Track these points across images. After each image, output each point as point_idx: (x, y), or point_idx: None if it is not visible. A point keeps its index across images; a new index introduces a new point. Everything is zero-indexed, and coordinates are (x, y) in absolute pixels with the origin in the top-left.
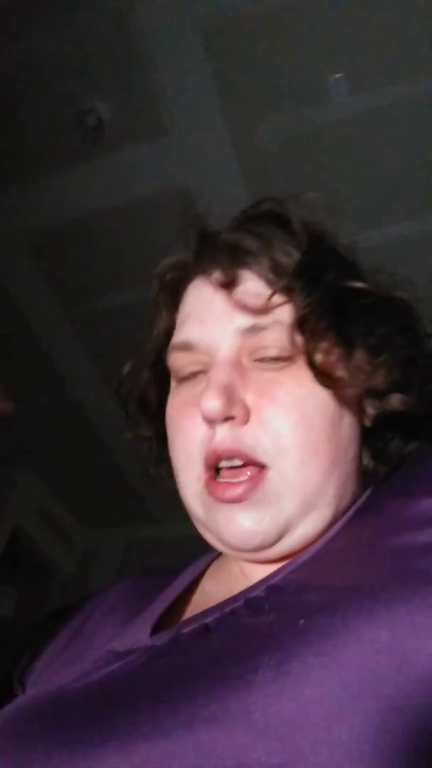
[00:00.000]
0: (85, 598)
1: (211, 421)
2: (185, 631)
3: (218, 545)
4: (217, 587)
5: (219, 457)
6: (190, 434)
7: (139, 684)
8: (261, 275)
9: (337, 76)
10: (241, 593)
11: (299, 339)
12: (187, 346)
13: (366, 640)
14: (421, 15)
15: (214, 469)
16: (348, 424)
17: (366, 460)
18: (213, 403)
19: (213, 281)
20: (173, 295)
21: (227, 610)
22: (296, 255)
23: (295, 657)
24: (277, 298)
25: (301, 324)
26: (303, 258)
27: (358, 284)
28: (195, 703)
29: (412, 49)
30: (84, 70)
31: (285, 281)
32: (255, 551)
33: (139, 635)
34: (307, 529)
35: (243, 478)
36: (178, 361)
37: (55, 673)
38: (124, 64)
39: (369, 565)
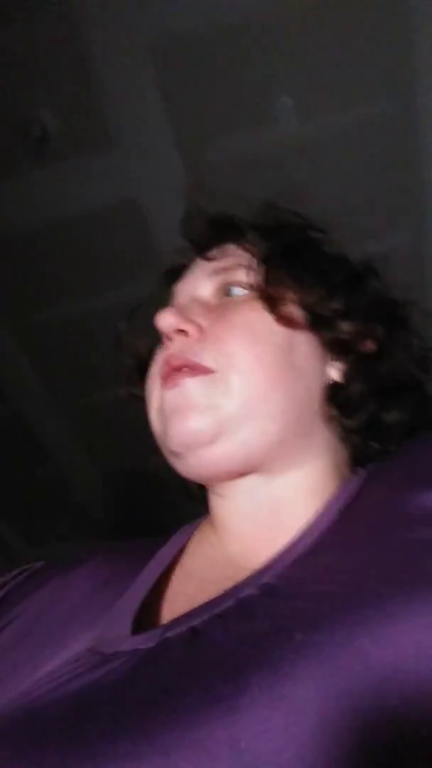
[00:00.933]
0: (36, 576)
1: (165, 336)
2: (171, 635)
3: (176, 466)
4: (197, 564)
5: (170, 366)
6: (156, 361)
7: (123, 700)
8: (238, 244)
9: (285, 100)
10: (233, 590)
11: (259, 278)
12: (169, 300)
13: (372, 665)
14: (368, 41)
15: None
16: (302, 354)
17: (345, 422)
18: (164, 317)
19: (204, 253)
20: (173, 277)
21: (216, 612)
22: (269, 220)
23: (288, 677)
24: (245, 251)
25: (260, 263)
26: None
27: (312, 236)
28: (177, 725)
29: (359, 75)
30: (30, 80)
31: (252, 235)
32: (194, 441)
33: (119, 629)
34: (250, 434)
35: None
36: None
37: (16, 669)
38: (72, 76)
39: (368, 566)
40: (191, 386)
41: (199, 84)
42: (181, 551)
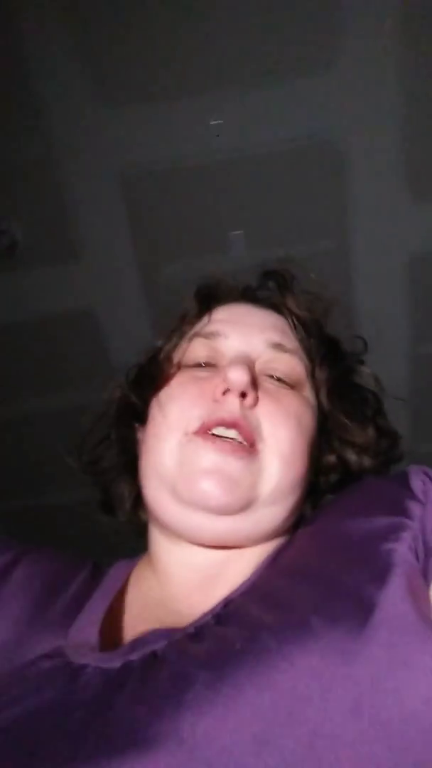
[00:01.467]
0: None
1: (230, 390)
2: (134, 657)
3: (170, 506)
4: (135, 600)
5: (223, 422)
6: (194, 398)
7: (94, 718)
8: (293, 324)
9: (237, 232)
10: (193, 622)
11: (305, 376)
12: (213, 336)
13: (298, 665)
14: (309, 190)
15: (208, 431)
16: (312, 458)
17: (305, 509)
18: (242, 374)
19: (254, 305)
20: (205, 306)
21: (175, 637)
22: (318, 334)
23: (228, 676)
24: (300, 347)
25: (332, 383)
26: (326, 339)
27: (363, 380)
28: (132, 728)
29: (302, 217)
30: (4, 194)
31: (315, 342)
32: (217, 508)
33: (87, 638)
34: (264, 518)
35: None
36: (194, 347)
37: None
38: (42, 192)
39: (301, 591)
40: (234, 462)
41: (161, 212)
42: (125, 582)
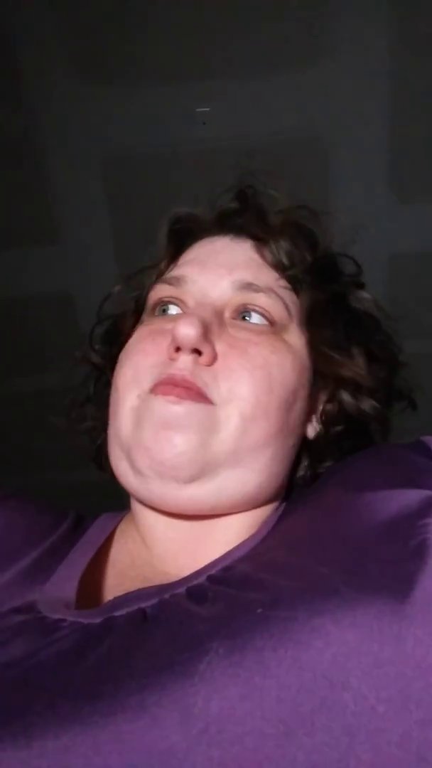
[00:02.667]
0: None
1: (179, 348)
2: (119, 614)
3: (129, 477)
4: (120, 557)
5: (173, 381)
6: (148, 355)
7: (66, 672)
8: (273, 255)
9: None
10: (180, 581)
11: (286, 315)
12: (177, 281)
13: (333, 642)
14: (296, 179)
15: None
16: (297, 413)
17: (302, 471)
18: (189, 330)
19: (230, 238)
20: (177, 244)
21: (167, 595)
22: (307, 256)
23: (250, 647)
24: (282, 282)
25: (310, 311)
26: (316, 260)
27: (359, 304)
28: (122, 690)
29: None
30: None
31: (298, 270)
32: (170, 472)
33: (64, 594)
34: (227, 483)
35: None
36: (161, 293)
37: None
38: (21, 171)
39: (319, 560)
40: (189, 412)
41: (141, 196)
42: (110, 537)
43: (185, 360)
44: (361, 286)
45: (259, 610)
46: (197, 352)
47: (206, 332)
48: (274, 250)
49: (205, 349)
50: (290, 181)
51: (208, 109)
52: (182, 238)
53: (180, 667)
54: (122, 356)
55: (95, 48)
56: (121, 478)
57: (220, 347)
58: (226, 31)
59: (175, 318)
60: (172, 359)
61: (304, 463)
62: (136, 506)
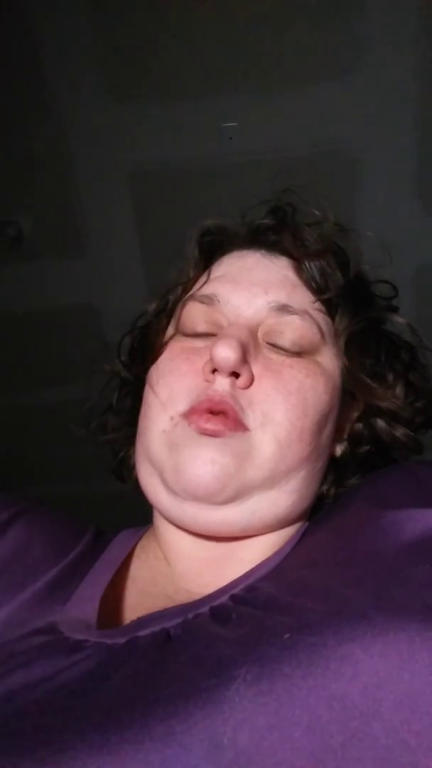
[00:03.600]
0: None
1: (217, 370)
2: (142, 634)
3: (161, 495)
4: (141, 573)
5: (210, 405)
6: (183, 375)
7: (91, 694)
8: (308, 275)
9: None
10: (203, 600)
11: (319, 338)
12: (209, 300)
13: (363, 671)
14: (323, 192)
15: (195, 415)
16: (328, 434)
17: (326, 487)
18: (229, 353)
19: (261, 254)
20: (206, 256)
21: (190, 615)
22: (341, 278)
23: (278, 674)
24: (317, 304)
25: (347, 339)
26: (351, 283)
27: (394, 329)
28: (151, 717)
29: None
30: (13, 185)
31: (333, 293)
32: (205, 496)
33: (84, 615)
34: (260, 505)
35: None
36: (193, 312)
37: None
38: (52, 186)
39: (346, 579)
40: (226, 446)
41: (168, 211)
42: (130, 553)
43: (223, 383)
44: (394, 309)
45: (286, 635)
46: (235, 375)
47: (245, 355)
48: (309, 269)
49: (244, 372)
50: (316, 193)
51: (235, 123)
52: (212, 250)
53: (207, 694)
54: (154, 374)
55: (124, 64)
56: (150, 495)
57: (255, 369)
58: (253, 46)
59: (211, 338)
60: (208, 381)
61: (329, 479)
62: (160, 523)
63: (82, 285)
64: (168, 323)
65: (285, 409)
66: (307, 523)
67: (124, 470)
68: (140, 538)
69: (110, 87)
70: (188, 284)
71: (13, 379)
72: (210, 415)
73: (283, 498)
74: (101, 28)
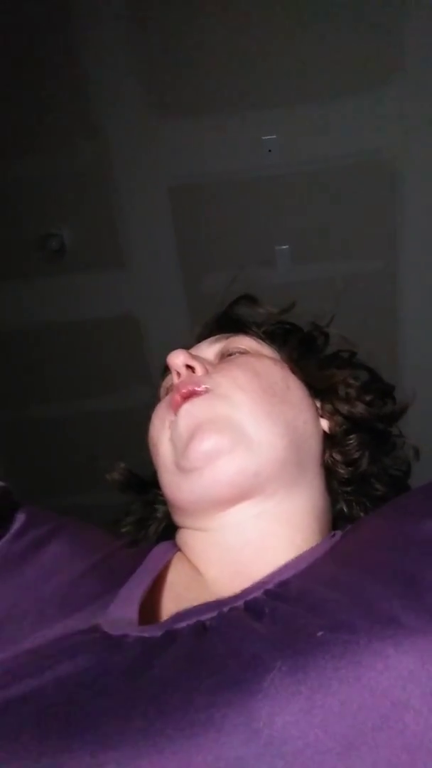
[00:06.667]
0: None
1: (177, 372)
2: (180, 626)
3: (182, 487)
4: (178, 579)
5: (179, 393)
6: (162, 404)
7: (134, 681)
8: (240, 330)
9: (283, 247)
10: (237, 595)
11: (257, 345)
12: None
13: (393, 665)
14: (356, 206)
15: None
16: (297, 395)
17: (334, 455)
18: (176, 355)
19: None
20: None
21: (225, 609)
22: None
23: (312, 665)
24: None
25: (263, 338)
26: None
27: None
28: (192, 705)
29: (355, 232)
30: (55, 198)
31: (264, 329)
32: (212, 446)
33: (126, 615)
34: (260, 449)
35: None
36: (164, 382)
37: (33, 638)
38: (93, 199)
39: (381, 583)
40: (201, 401)
41: (208, 224)
42: (168, 562)
43: (183, 376)
44: (325, 334)
45: (319, 633)
46: (190, 369)
47: (191, 355)
48: (239, 328)
49: (196, 363)
50: (359, 204)
51: (274, 136)
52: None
53: (245, 684)
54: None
55: (164, 78)
56: (176, 497)
57: (208, 367)
58: (291, 57)
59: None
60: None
61: (334, 455)
62: (187, 537)
63: (122, 296)
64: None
65: (239, 374)
66: (337, 534)
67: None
68: (178, 549)
69: (151, 101)
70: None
71: (52, 390)
72: (181, 397)
73: (276, 439)
74: (142, 43)
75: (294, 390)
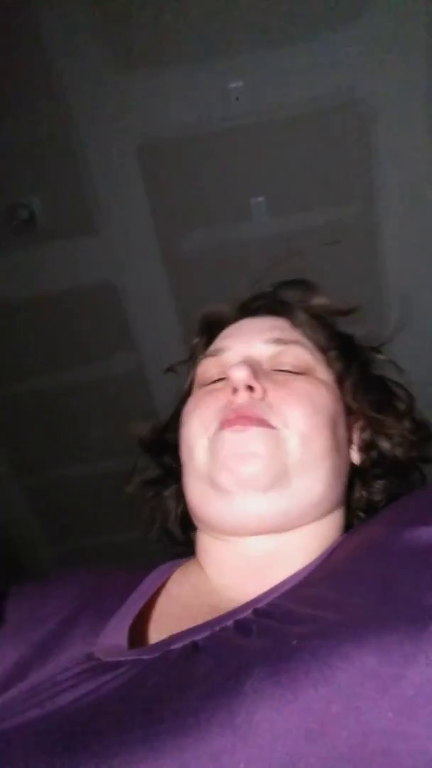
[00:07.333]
0: (38, 587)
1: (237, 388)
2: (174, 647)
3: (212, 501)
4: (183, 591)
5: (237, 414)
6: (209, 406)
7: (129, 700)
8: (294, 318)
9: (259, 199)
10: (229, 614)
11: (312, 359)
12: (218, 351)
13: (356, 665)
14: (334, 153)
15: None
16: (342, 435)
17: (357, 493)
18: (240, 371)
19: (250, 318)
20: (208, 334)
21: (217, 629)
22: (319, 323)
23: (286, 671)
24: (303, 338)
25: (320, 351)
26: (332, 328)
27: (379, 369)
28: (181, 714)
29: (326, 181)
30: (22, 167)
31: (317, 330)
32: (251, 479)
33: (116, 642)
34: (298, 492)
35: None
36: (205, 366)
37: (30, 679)
38: (61, 166)
39: (355, 594)
40: (258, 435)
41: (181, 183)
42: (166, 581)
43: (243, 396)
44: (378, 351)
45: (294, 642)
46: (250, 389)
47: (255, 372)
48: (291, 315)
49: (257, 385)
50: (333, 148)
51: (240, 83)
52: (212, 327)
53: (227, 689)
54: (184, 418)
55: (124, 30)
56: (201, 506)
57: (266, 385)
58: (254, 2)
59: (224, 381)
60: (230, 401)
61: (357, 488)
62: (206, 543)
63: (98, 264)
64: (191, 385)
65: (300, 408)
66: (342, 537)
67: (174, 528)
68: (179, 566)
69: (110, 57)
70: (201, 352)
71: (36, 364)
72: (238, 417)
73: (316, 485)
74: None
75: (341, 426)
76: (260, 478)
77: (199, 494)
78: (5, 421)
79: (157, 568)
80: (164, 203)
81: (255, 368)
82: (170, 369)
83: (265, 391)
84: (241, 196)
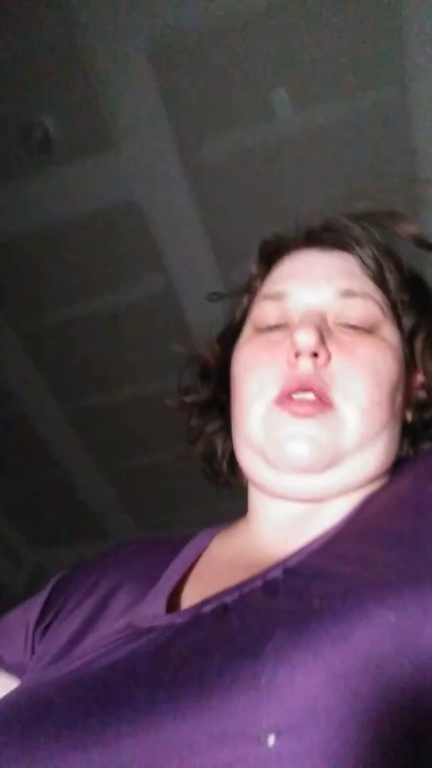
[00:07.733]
0: (95, 564)
1: (298, 354)
2: (205, 610)
3: (263, 471)
4: (226, 551)
5: (300, 385)
6: (269, 366)
7: (160, 662)
8: (361, 264)
9: (281, 93)
10: (261, 573)
11: (381, 315)
12: (279, 296)
13: (375, 620)
14: (360, 32)
15: (287, 396)
16: (400, 400)
17: (403, 450)
18: (309, 336)
19: (317, 250)
20: (268, 262)
21: (246, 590)
22: (392, 263)
23: (306, 631)
24: (374, 287)
25: (416, 321)
26: (403, 266)
27: None
28: (206, 676)
29: (353, 65)
30: (31, 84)
31: (385, 274)
32: (305, 469)
33: (154, 610)
34: (354, 468)
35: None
36: (264, 310)
37: (75, 650)
38: (71, 79)
39: (384, 548)
40: (317, 424)
41: (197, 83)
42: (206, 546)
43: (306, 364)
44: None
45: (316, 602)
46: (314, 355)
47: (321, 337)
48: (362, 257)
49: (322, 352)
50: (357, 30)
51: None
52: (272, 255)
53: (250, 652)
54: (240, 370)
55: None
56: (252, 473)
57: (331, 349)
58: None
59: (284, 330)
60: (292, 365)
61: (405, 444)
62: (256, 499)
63: (119, 179)
64: (245, 320)
65: (363, 381)
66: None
67: (221, 466)
68: (219, 531)
69: None
70: (254, 287)
71: (62, 291)
72: (301, 399)
73: (372, 460)
74: None
75: (400, 391)
76: (315, 463)
77: (249, 459)
78: (42, 351)
79: (199, 533)
80: (181, 105)
81: (321, 331)
82: (215, 295)
83: (329, 358)
84: (262, 89)
